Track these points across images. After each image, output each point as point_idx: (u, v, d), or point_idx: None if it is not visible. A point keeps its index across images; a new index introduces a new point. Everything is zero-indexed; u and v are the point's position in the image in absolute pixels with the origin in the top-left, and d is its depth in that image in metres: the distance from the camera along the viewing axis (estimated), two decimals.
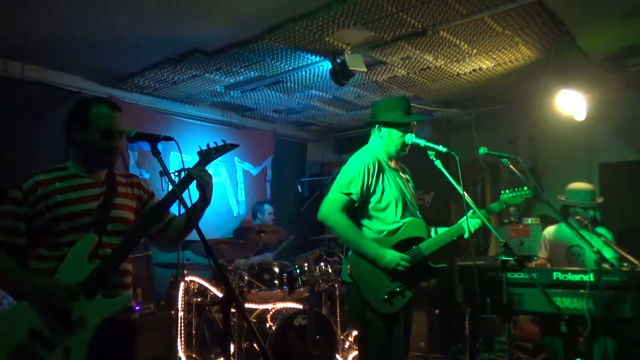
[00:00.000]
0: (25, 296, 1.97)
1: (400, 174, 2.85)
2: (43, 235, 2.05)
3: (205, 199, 2.22)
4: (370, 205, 2.67)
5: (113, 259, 2.06)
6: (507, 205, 2.86)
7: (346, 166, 2.71)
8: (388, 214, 2.68)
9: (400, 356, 2.66)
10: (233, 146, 2.31)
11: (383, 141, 2.79)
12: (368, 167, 2.64)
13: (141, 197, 2.30)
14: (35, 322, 1.91)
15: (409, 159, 2.99)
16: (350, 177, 2.63)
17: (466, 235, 2.69)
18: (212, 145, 2.28)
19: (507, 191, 2.84)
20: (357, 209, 2.66)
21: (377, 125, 2.81)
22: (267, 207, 5.42)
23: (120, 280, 2.13)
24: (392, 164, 2.84)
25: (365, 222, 2.69)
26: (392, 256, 2.55)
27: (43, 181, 2.05)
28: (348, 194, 2.61)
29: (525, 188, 2.78)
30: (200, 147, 2.26)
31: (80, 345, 1.92)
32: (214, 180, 6.45)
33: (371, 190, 2.65)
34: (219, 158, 2.37)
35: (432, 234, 2.77)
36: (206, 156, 2.26)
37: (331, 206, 2.63)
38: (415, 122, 2.79)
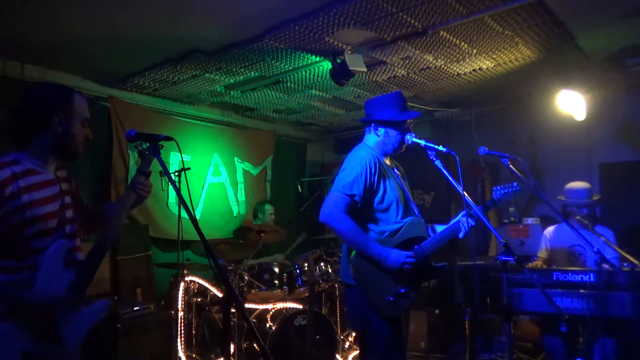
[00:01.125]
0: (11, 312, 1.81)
1: (396, 170, 2.81)
2: (7, 243, 1.84)
3: (139, 202, 2.17)
4: (373, 206, 2.63)
5: (92, 264, 1.96)
6: (500, 202, 2.83)
7: (346, 165, 2.65)
8: (390, 215, 2.64)
9: (403, 357, 2.64)
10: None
11: (380, 140, 2.74)
12: (369, 166, 2.59)
13: (73, 192, 2.14)
14: (26, 342, 1.79)
15: (409, 159, 2.98)
16: (352, 177, 2.57)
17: (461, 235, 2.66)
18: (145, 144, 2.14)
19: (498, 188, 2.84)
20: (359, 210, 2.61)
21: (372, 124, 2.76)
22: (268, 207, 5.43)
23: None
24: (388, 162, 2.79)
25: (367, 223, 2.64)
26: (397, 255, 2.51)
27: (7, 179, 1.84)
28: (351, 195, 2.55)
29: (515, 184, 2.77)
30: (138, 145, 2.12)
31: (73, 357, 1.89)
32: (213, 180, 6.39)
33: (373, 189, 2.61)
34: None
35: (430, 232, 2.76)
36: (149, 155, 2.12)
37: (334, 208, 2.55)
38: (411, 120, 2.76)
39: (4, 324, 1.80)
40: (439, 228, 2.77)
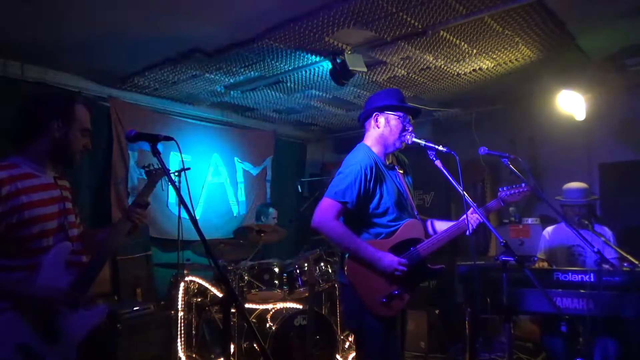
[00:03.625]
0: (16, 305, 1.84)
1: (397, 169, 2.78)
2: (5, 242, 1.86)
3: (131, 232, 2.16)
4: (369, 211, 2.61)
5: (93, 269, 2.00)
6: (506, 204, 2.83)
7: (342, 170, 2.63)
8: (386, 218, 2.62)
9: (397, 358, 2.63)
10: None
11: (380, 132, 2.69)
12: (365, 172, 2.56)
13: (72, 200, 2.18)
14: (22, 335, 1.81)
15: (409, 159, 2.98)
16: (346, 184, 2.55)
17: (468, 232, 2.63)
18: (151, 167, 2.30)
19: (504, 189, 2.82)
20: (354, 214, 2.60)
21: (372, 115, 2.71)
22: (272, 211, 5.41)
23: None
24: (389, 160, 2.76)
25: (362, 225, 2.63)
26: (389, 260, 2.50)
27: (5, 179, 1.87)
28: (343, 203, 2.54)
29: (523, 185, 2.76)
30: (144, 167, 2.27)
31: (69, 356, 1.90)
32: (214, 181, 6.38)
33: (368, 195, 2.58)
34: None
35: (429, 229, 2.75)
36: (155, 177, 2.24)
37: (325, 215, 2.54)
38: (413, 119, 2.73)
39: (3, 316, 1.82)
40: (438, 224, 2.77)
